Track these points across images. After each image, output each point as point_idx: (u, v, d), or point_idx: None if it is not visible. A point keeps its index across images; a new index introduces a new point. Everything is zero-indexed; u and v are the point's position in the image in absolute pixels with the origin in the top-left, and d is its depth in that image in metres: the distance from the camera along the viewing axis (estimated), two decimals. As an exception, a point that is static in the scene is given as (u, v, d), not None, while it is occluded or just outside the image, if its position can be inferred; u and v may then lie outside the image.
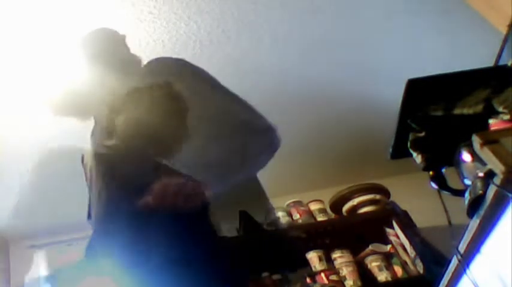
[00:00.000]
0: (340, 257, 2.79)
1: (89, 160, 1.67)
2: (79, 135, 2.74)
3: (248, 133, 1.55)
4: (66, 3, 2.16)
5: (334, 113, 3.04)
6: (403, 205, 2.99)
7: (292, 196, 3.11)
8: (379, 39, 2.64)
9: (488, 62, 1.93)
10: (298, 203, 3.06)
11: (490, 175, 1.28)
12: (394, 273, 2.72)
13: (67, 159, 2.89)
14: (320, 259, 2.79)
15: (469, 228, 1.44)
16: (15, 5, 2.11)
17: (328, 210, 3.12)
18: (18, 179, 2.94)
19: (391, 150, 1.75)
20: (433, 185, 1.59)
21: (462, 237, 1.49)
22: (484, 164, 1.31)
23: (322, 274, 2.72)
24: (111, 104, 1.61)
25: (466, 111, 1.53)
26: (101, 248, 1.56)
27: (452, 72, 1.60)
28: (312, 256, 2.81)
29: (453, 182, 1.56)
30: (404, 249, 2.75)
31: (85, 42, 1.74)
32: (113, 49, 1.72)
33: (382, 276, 2.71)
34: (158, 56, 2.44)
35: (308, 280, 2.72)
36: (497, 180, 1.24)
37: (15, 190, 2.99)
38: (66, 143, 2.79)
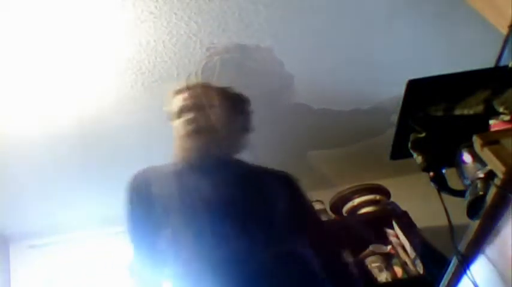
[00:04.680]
0: (340, 258, 2.79)
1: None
2: (75, 140, 2.77)
3: None
4: (67, 3, 2.16)
5: (334, 113, 3.04)
6: (403, 206, 2.99)
7: (292, 196, 3.10)
8: (379, 39, 2.64)
9: (488, 62, 1.93)
10: (298, 204, 3.05)
11: (490, 175, 1.28)
12: (394, 274, 2.72)
13: (68, 158, 2.90)
14: (320, 260, 2.79)
15: (469, 229, 1.44)
16: (14, 4, 2.11)
17: (329, 210, 3.12)
18: (18, 178, 2.94)
19: (391, 150, 1.75)
20: (433, 185, 1.59)
21: (462, 238, 1.49)
22: (484, 164, 1.31)
23: (322, 275, 2.72)
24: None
25: (466, 112, 1.53)
26: None
27: (453, 73, 1.60)
28: (312, 257, 2.81)
29: (453, 182, 1.56)
30: (405, 250, 2.75)
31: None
32: None
33: (382, 277, 2.71)
34: (158, 56, 2.46)
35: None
36: (497, 181, 1.24)
37: (16, 189, 3.00)
38: (66, 143, 2.80)
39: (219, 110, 1.64)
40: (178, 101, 1.65)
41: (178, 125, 1.61)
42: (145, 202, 1.55)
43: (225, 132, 1.62)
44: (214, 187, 1.53)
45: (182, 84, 1.72)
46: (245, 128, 1.69)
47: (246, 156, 1.70)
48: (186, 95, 1.66)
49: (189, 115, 1.61)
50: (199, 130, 1.58)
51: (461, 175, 1.46)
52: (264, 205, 1.54)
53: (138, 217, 1.57)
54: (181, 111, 1.63)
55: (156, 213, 1.52)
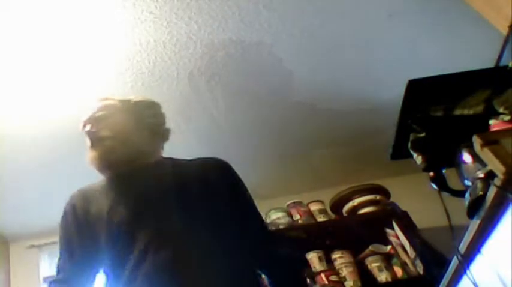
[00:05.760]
0: (340, 258, 2.79)
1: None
2: (75, 140, 2.76)
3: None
4: (67, 3, 2.16)
5: (334, 113, 3.04)
6: (404, 206, 2.99)
7: (292, 196, 3.11)
8: (379, 39, 2.64)
9: (489, 63, 1.94)
10: (298, 204, 3.05)
11: (490, 175, 1.28)
12: (394, 274, 2.72)
13: (68, 158, 2.90)
14: (320, 260, 2.79)
15: (469, 229, 1.44)
16: (14, 4, 2.11)
17: (329, 210, 3.12)
18: (18, 179, 2.94)
19: (391, 150, 1.75)
20: (433, 185, 1.59)
21: (462, 238, 1.49)
22: (484, 165, 1.32)
23: (322, 275, 2.72)
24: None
25: (466, 112, 1.54)
26: None
27: (453, 73, 1.60)
28: (312, 257, 2.81)
29: (453, 182, 1.56)
30: (405, 250, 2.75)
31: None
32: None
33: (382, 277, 2.71)
34: (158, 56, 2.47)
35: (308, 280, 2.72)
36: (497, 181, 1.24)
37: (16, 189, 3.00)
38: (66, 143, 2.80)
39: (114, 120, 1.70)
40: (86, 114, 1.73)
41: (87, 140, 1.70)
42: (84, 223, 1.60)
43: (124, 139, 1.67)
44: (143, 189, 1.59)
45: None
46: (155, 132, 1.74)
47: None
48: (89, 111, 1.73)
49: (86, 128, 1.69)
50: (94, 141, 1.67)
51: (461, 175, 1.46)
52: (199, 197, 1.57)
53: (78, 238, 1.61)
54: (82, 126, 1.71)
55: (93, 232, 1.56)
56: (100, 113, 1.69)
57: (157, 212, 1.52)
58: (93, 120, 1.68)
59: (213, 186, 1.60)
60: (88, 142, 1.68)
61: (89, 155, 1.67)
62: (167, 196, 1.56)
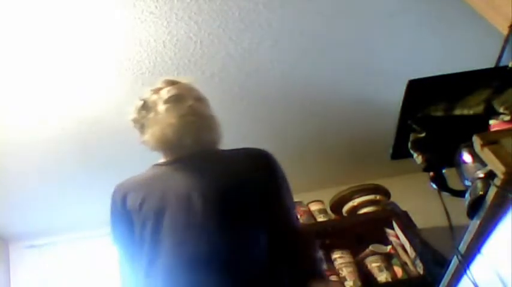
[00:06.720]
0: (340, 258, 2.79)
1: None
2: (75, 140, 2.77)
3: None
4: (67, 3, 2.16)
5: (335, 113, 3.04)
6: (404, 206, 2.99)
7: (292, 196, 3.11)
8: (380, 39, 2.64)
9: (489, 63, 1.93)
10: (298, 204, 3.05)
11: (490, 175, 1.28)
12: (394, 274, 2.72)
13: (68, 159, 2.90)
14: (320, 260, 2.79)
15: (469, 229, 1.44)
16: (14, 5, 2.11)
17: (329, 210, 3.12)
18: (18, 179, 2.94)
19: (391, 150, 1.75)
20: (433, 185, 1.59)
21: (462, 238, 1.49)
22: (484, 165, 1.32)
23: (322, 275, 2.72)
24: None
25: (466, 112, 1.53)
26: None
27: (453, 73, 1.60)
28: (312, 257, 2.80)
29: (453, 183, 1.56)
30: (405, 250, 2.75)
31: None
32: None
33: (382, 277, 2.71)
34: (158, 56, 2.47)
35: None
36: (497, 181, 1.24)
37: (16, 189, 3.00)
38: (66, 144, 2.80)
39: (205, 105, 1.75)
40: (170, 90, 1.72)
41: (171, 111, 1.66)
42: (123, 216, 1.60)
43: (211, 124, 1.71)
44: (196, 179, 1.57)
45: (169, 78, 1.80)
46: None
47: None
48: (175, 86, 1.73)
49: (188, 102, 1.67)
50: (200, 118, 1.67)
51: (461, 175, 1.46)
52: (245, 194, 1.57)
53: (120, 232, 1.64)
54: (177, 99, 1.69)
55: (134, 224, 1.56)
56: (195, 93, 1.72)
57: (187, 207, 1.51)
58: (193, 98, 1.69)
59: (246, 180, 1.60)
60: (181, 114, 1.64)
61: (174, 129, 1.63)
62: (211, 189, 1.54)
